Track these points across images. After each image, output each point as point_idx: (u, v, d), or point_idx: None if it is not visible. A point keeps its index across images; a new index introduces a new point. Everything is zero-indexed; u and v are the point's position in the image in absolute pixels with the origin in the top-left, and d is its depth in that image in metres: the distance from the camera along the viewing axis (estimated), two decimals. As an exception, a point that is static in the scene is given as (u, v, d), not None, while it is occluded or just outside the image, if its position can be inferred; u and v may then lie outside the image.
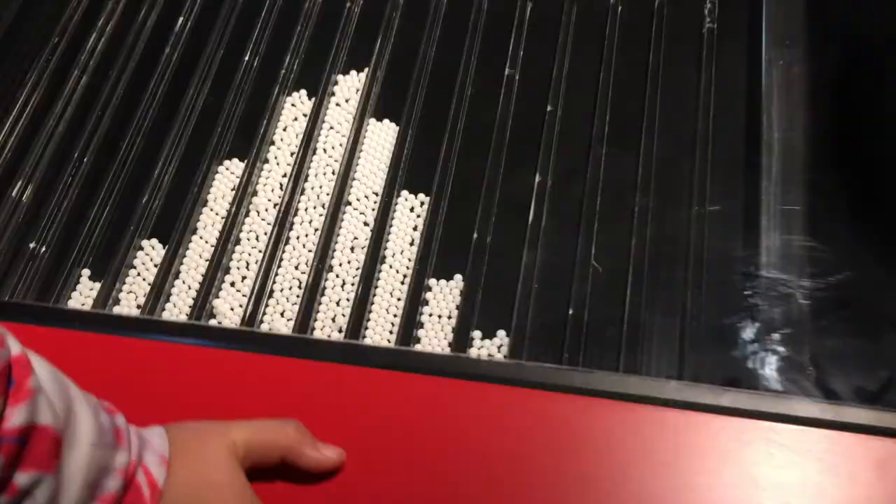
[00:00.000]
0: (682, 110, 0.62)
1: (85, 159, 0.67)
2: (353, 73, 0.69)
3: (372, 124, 0.66)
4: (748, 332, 0.51)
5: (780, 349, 0.50)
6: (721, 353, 0.51)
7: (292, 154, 0.66)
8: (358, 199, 0.63)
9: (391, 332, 0.57)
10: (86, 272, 0.62)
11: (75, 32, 0.73)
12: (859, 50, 0.60)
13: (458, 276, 0.59)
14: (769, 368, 0.49)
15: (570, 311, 0.56)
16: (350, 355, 0.51)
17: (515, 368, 0.51)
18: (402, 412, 0.44)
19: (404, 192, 0.63)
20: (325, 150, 0.66)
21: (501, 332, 0.56)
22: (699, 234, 0.56)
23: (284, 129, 0.67)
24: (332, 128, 0.66)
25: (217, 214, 0.64)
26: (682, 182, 0.59)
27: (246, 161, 0.65)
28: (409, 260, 0.60)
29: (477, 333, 0.56)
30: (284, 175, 0.65)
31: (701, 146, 0.60)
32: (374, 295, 0.59)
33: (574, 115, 0.64)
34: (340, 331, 0.58)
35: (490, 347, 0.56)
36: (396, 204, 0.62)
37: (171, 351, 0.48)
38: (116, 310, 0.60)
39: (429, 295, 0.58)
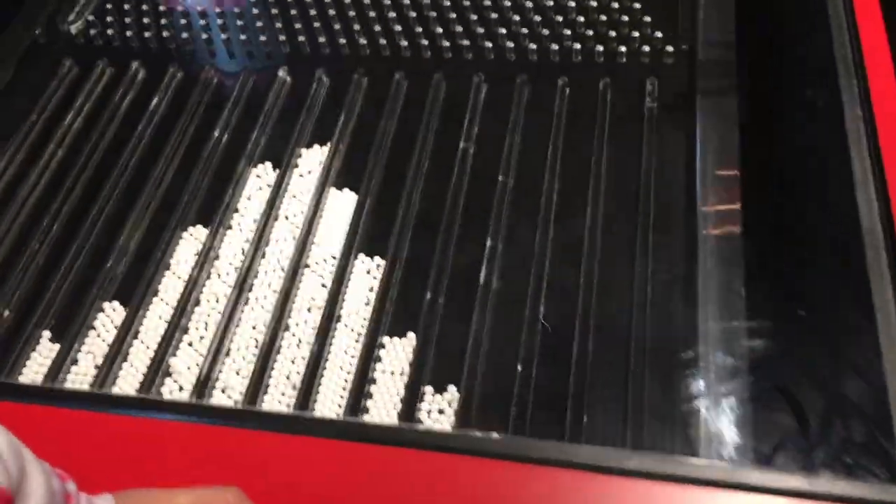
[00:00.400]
0: (626, 182, 0.66)
1: (54, 226, 0.69)
2: (317, 146, 0.72)
3: (332, 193, 0.69)
4: (681, 402, 0.53)
5: (709, 417, 0.52)
6: (657, 423, 0.53)
7: (255, 221, 0.68)
8: (317, 263, 0.65)
9: (344, 389, 0.58)
10: (46, 334, 0.63)
11: (54, 111, 0.77)
12: (792, 125, 0.64)
13: (412, 334, 0.60)
14: (697, 435, 0.51)
15: (519, 369, 0.57)
16: (296, 426, 0.52)
17: (461, 438, 0.52)
18: (341, 480, 0.45)
19: (361, 256, 0.65)
20: (286, 217, 0.68)
21: (452, 388, 0.57)
22: (641, 302, 0.58)
23: (249, 199, 0.70)
24: (294, 196, 0.69)
25: (179, 278, 0.66)
26: (625, 251, 0.61)
27: (210, 227, 0.68)
28: (364, 319, 0.61)
29: (429, 388, 0.58)
30: (247, 240, 0.67)
31: (643, 216, 0.63)
32: (329, 353, 0.60)
33: (524, 185, 0.67)
34: (294, 387, 0.58)
35: (441, 402, 0.57)
36: (353, 267, 0.64)
37: (122, 423, 0.49)
38: (74, 369, 0.61)
39: (382, 352, 0.60)
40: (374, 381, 0.58)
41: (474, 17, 0.78)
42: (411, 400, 0.57)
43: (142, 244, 0.68)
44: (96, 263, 0.66)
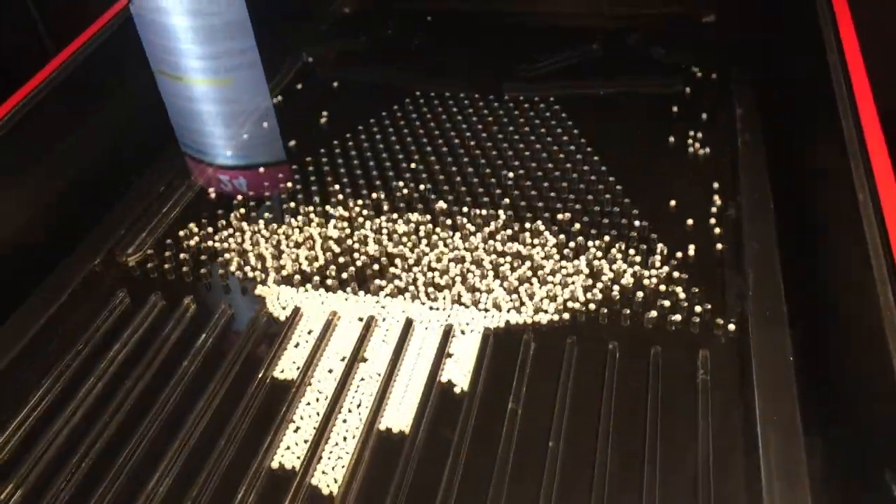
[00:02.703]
0: (681, 459, 0.63)
1: (82, 464, 0.66)
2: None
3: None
4: None
5: None
6: None
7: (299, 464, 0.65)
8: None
9: None
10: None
11: (100, 341, 0.77)
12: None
13: None
14: None
15: None
16: None
17: None
18: None
19: (401, 522, 0.61)
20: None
21: None
22: None
23: (288, 448, 0.67)
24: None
25: (206, 532, 0.62)
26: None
27: (249, 481, 0.65)
28: None
29: None
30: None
31: (703, 495, 0.60)
32: None
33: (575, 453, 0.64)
34: None
35: None
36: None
37: None
38: None
39: None
40: None
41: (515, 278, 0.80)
42: None
43: (171, 489, 0.64)
44: (121, 509, 0.63)
